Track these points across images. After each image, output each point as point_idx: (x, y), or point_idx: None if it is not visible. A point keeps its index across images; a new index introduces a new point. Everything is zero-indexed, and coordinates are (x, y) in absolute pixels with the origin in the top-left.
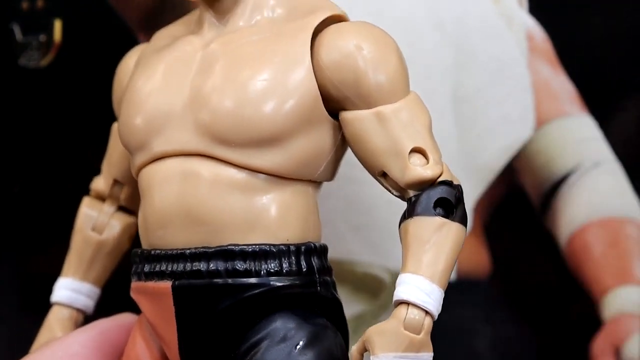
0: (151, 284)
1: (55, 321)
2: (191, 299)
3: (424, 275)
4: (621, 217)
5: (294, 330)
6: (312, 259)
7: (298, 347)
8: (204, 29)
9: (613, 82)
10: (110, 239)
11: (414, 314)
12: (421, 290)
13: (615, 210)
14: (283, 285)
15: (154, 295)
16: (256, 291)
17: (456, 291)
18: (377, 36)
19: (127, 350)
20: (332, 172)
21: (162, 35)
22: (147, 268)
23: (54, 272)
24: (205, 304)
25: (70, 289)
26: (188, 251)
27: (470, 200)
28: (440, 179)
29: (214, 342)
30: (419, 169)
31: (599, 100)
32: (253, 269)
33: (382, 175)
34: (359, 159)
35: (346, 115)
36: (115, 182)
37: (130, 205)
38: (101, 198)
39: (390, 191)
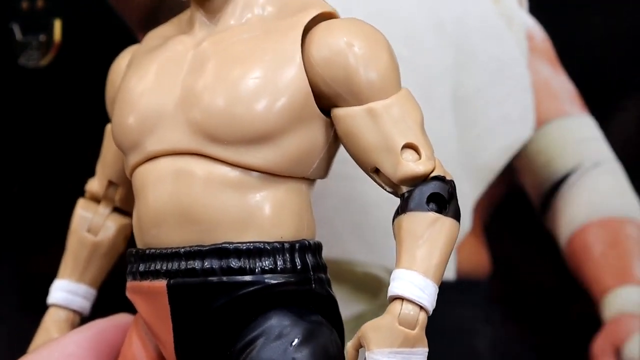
0: (146, 283)
1: (51, 323)
2: (186, 298)
3: (418, 270)
4: (621, 217)
5: (289, 328)
6: (306, 257)
7: (294, 344)
8: (195, 29)
9: (613, 82)
10: (106, 240)
11: (408, 309)
12: (415, 285)
13: (615, 210)
14: (278, 283)
15: (149, 294)
16: (251, 289)
17: (456, 291)
18: (368, 33)
19: (123, 351)
20: (325, 169)
21: (154, 36)
22: (142, 267)
23: (54, 272)
24: (200, 302)
25: (67, 291)
26: (182, 250)
27: (470, 200)
28: (432, 174)
29: (210, 340)
30: (411, 165)
31: (599, 100)
32: (247, 266)
33: (374, 172)
34: (351, 156)
35: (338, 112)
36: (110, 183)
37: (125, 206)
38: (96, 199)
39: (383, 187)
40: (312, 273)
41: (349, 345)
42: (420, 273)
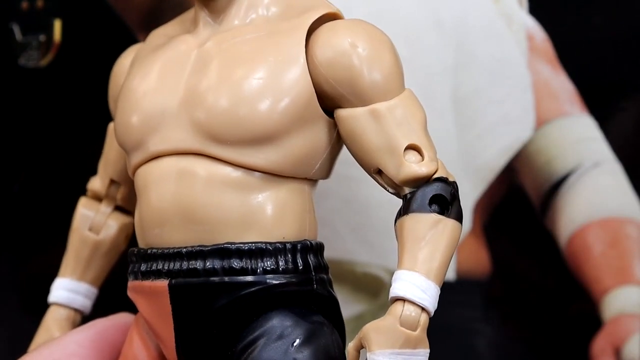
0: (148, 283)
1: (52, 321)
2: (188, 298)
3: (420, 271)
4: (621, 217)
5: (290, 328)
6: (308, 257)
7: (295, 344)
8: (199, 28)
9: (613, 83)
10: (107, 239)
11: (410, 310)
12: (417, 286)
13: (615, 210)
14: (279, 283)
15: (151, 294)
16: (252, 289)
17: (456, 291)
18: (372, 34)
19: (124, 350)
20: (327, 170)
21: (158, 35)
22: (143, 267)
23: (54, 272)
24: (201, 302)
25: (68, 289)
26: (184, 250)
27: (470, 200)
28: (435, 176)
29: (211, 340)
30: (414, 166)
31: (598, 101)
32: (249, 267)
33: (377, 173)
34: (354, 157)
35: (341, 113)
36: (112, 182)
37: (126, 205)
38: (98, 198)
39: (385, 188)
40: (314, 273)
41: (350, 346)
42: (422, 274)
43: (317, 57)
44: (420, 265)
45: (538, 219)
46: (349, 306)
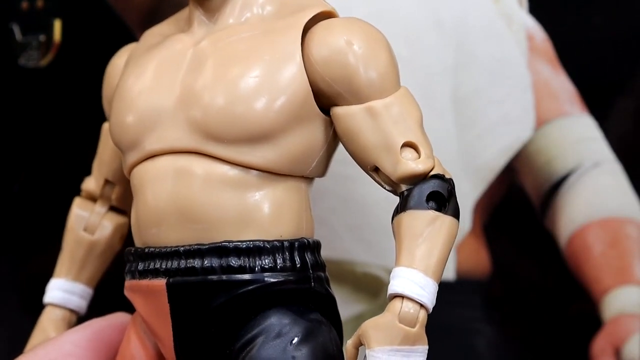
0: (145, 282)
1: (48, 322)
2: (186, 296)
3: (418, 268)
4: (621, 217)
5: (288, 326)
6: (305, 255)
7: (293, 342)
8: (194, 27)
9: (613, 82)
10: (102, 240)
11: (408, 307)
12: (415, 283)
13: (615, 210)
14: (277, 281)
15: (149, 293)
16: (250, 287)
17: (456, 291)
18: (367, 32)
19: (121, 350)
20: (324, 168)
21: (152, 34)
22: (141, 266)
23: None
24: (199, 300)
25: (63, 290)
26: (182, 248)
27: (470, 200)
28: (432, 173)
29: (210, 338)
30: (411, 163)
31: (599, 100)
32: (247, 265)
33: (374, 170)
34: (350, 155)
35: (337, 111)
36: (107, 182)
37: (121, 205)
38: (92, 198)
39: (382, 186)
40: (311, 271)
41: (349, 344)
42: (420, 271)
43: (313, 55)
44: (419, 262)
45: (538, 219)
46: (348, 306)
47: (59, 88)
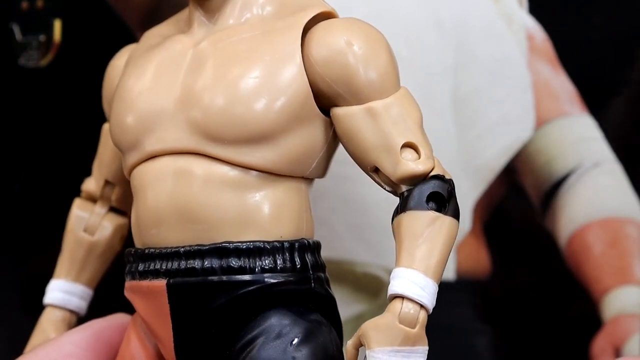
0: (145, 282)
1: (48, 323)
2: (186, 297)
3: (418, 269)
4: (621, 217)
5: (289, 327)
6: (306, 256)
7: (293, 343)
8: (194, 28)
9: (613, 82)
10: (102, 240)
11: (408, 307)
12: (415, 284)
13: (615, 210)
14: (277, 282)
15: (149, 294)
16: (250, 288)
17: (456, 291)
18: (367, 32)
19: (121, 350)
20: (324, 168)
21: (152, 35)
22: (141, 267)
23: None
24: (200, 301)
25: (63, 291)
26: (182, 249)
27: (470, 200)
28: (432, 174)
29: (210, 339)
30: (411, 164)
31: (599, 100)
32: (247, 266)
33: (374, 171)
34: (350, 155)
35: (337, 112)
36: (107, 182)
37: (121, 206)
38: (92, 199)
39: (382, 186)
40: (311, 272)
41: (349, 344)
42: (420, 272)
43: (313, 56)
44: (419, 263)
45: (538, 219)
46: (349, 306)
47: (59, 88)
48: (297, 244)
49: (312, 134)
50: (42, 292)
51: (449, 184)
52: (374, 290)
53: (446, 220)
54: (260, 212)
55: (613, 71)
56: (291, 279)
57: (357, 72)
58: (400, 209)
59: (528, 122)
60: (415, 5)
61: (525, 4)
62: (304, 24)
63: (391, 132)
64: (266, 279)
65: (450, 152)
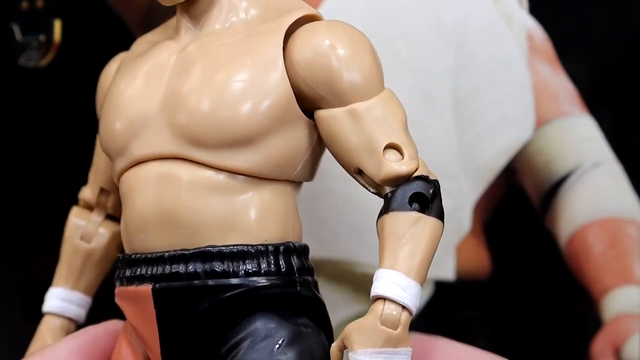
0: (132, 288)
1: (47, 331)
2: (171, 302)
3: (400, 270)
4: (621, 217)
5: (274, 330)
6: (291, 259)
7: (279, 346)
8: (181, 34)
9: (613, 82)
10: (99, 248)
11: (390, 309)
12: (397, 285)
13: (615, 210)
14: (262, 286)
15: (135, 299)
16: (235, 292)
17: (456, 291)
18: (350, 34)
19: (113, 356)
20: (310, 171)
21: (142, 42)
22: (128, 273)
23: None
24: (185, 306)
25: (61, 299)
26: (167, 254)
27: (470, 200)
28: (415, 174)
29: (196, 343)
30: (394, 165)
31: (598, 100)
32: (231, 269)
33: (358, 173)
34: (335, 157)
35: (321, 114)
36: (102, 190)
37: (117, 214)
38: (89, 207)
39: (366, 188)
40: (297, 275)
41: (334, 347)
42: (402, 273)
43: (296, 58)
44: (401, 264)
45: (538, 219)
46: (348, 306)
47: (59, 88)
48: (282, 247)
49: (296, 137)
50: (42, 293)
51: (434, 184)
52: None
53: (429, 220)
54: (245, 216)
55: (613, 71)
56: (276, 282)
57: (339, 75)
58: (384, 210)
59: (528, 122)
60: (415, 6)
61: (525, 4)
62: (286, 27)
63: (374, 133)
64: (250, 283)
65: (450, 152)
